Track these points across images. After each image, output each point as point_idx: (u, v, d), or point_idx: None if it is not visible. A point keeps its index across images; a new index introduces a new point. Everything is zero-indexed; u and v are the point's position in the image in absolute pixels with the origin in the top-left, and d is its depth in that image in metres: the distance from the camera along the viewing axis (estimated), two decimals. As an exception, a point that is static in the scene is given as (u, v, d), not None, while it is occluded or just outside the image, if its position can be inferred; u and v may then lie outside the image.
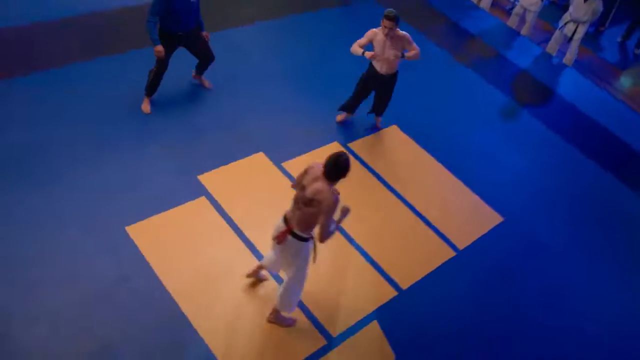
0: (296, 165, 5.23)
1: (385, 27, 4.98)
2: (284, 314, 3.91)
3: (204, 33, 5.37)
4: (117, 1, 6.78)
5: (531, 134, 6.63)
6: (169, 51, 5.17)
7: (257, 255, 4.39)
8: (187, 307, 3.92)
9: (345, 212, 3.39)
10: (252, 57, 6.57)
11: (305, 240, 3.47)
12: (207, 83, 5.93)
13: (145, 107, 5.44)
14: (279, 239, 3.47)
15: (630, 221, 5.77)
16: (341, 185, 3.35)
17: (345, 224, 4.52)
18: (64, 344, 3.52)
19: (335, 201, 3.23)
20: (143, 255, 4.20)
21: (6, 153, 4.68)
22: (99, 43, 6.11)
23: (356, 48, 5.19)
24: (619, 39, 9.42)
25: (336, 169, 3.21)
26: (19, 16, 6.14)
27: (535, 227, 5.37)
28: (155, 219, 4.47)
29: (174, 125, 5.38)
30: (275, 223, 3.56)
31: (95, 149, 4.93)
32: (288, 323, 3.98)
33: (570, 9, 7.98)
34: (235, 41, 6.74)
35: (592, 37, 9.28)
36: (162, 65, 5.22)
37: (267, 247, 4.15)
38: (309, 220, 3.33)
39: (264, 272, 4.24)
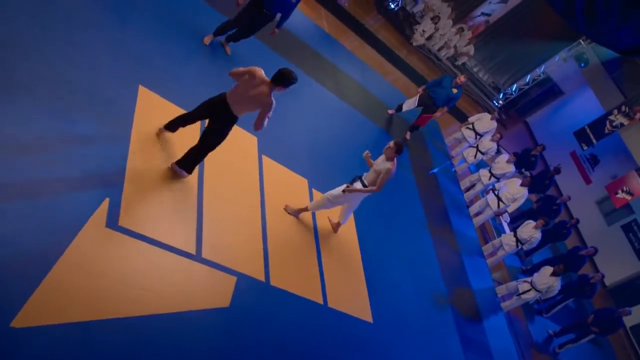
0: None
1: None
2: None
3: (276, 30, 6.91)
4: None
5: (438, 320, 7.46)
6: (248, 14, 6.58)
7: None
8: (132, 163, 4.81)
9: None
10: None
11: None
12: (227, 49, 7.08)
13: (207, 40, 6.82)
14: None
15: None
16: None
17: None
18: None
19: None
20: (133, 114, 5.15)
21: None
22: None
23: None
24: (550, 332, 10.45)
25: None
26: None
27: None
28: (164, 103, 5.51)
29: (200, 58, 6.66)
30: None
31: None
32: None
33: (535, 274, 9.20)
34: (301, 84, 8.22)
35: (533, 312, 10.38)
36: (235, 21, 6.65)
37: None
38: None
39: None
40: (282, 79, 4.55)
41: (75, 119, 4.60)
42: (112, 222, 4.24)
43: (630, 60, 14.40)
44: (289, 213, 6.06)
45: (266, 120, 4.68)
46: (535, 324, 10.23)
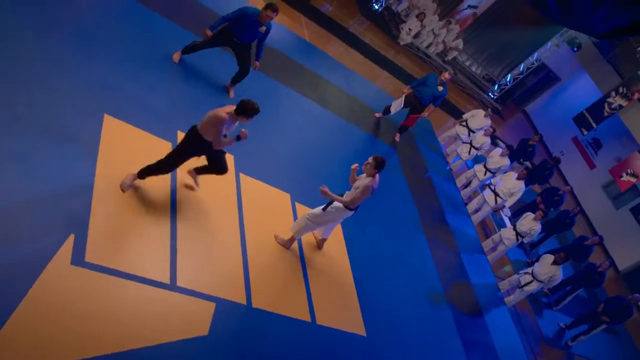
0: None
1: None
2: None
3: (256, 63, 6.84)
4: None
5: (437, 323, 7.30)
6: (219, 41, 6.65)
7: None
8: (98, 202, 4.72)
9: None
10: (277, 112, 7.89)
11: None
12: (231, 93, 7.14)
13: (176, 57, 6.77)
14: None
15: None
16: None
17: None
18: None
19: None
20: (98, 144, 5.06)
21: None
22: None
23: None
24: (562, 324, 10.19)
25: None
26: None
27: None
28: (131, 129, 5.42)
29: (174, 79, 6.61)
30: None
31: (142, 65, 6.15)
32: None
33: (536, 265, 9.00)
34: (280, 97, 8.13)
35: (542, 306, 10.13)
36: (205, 43, 6.66)
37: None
38: None
39: None
40: (242, 109, 4.64)
41: (36, 153, 4.52)
42: (79, 258, 4.14)
43: (624, 40, 14.10)
44: (279, 243, 5.88)
45: (222, 138, 4.75)
46: (545, 318, 9.99)
